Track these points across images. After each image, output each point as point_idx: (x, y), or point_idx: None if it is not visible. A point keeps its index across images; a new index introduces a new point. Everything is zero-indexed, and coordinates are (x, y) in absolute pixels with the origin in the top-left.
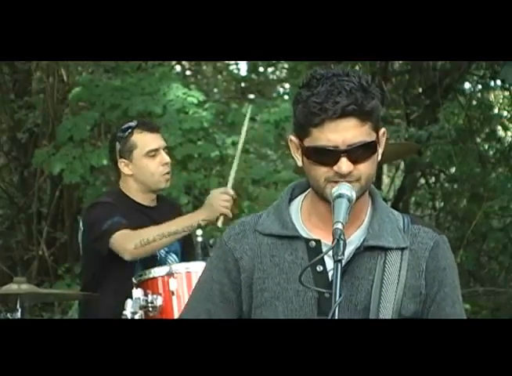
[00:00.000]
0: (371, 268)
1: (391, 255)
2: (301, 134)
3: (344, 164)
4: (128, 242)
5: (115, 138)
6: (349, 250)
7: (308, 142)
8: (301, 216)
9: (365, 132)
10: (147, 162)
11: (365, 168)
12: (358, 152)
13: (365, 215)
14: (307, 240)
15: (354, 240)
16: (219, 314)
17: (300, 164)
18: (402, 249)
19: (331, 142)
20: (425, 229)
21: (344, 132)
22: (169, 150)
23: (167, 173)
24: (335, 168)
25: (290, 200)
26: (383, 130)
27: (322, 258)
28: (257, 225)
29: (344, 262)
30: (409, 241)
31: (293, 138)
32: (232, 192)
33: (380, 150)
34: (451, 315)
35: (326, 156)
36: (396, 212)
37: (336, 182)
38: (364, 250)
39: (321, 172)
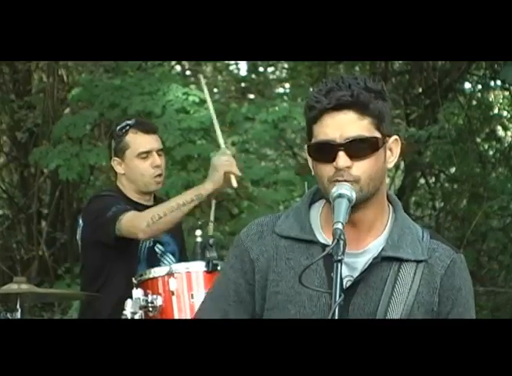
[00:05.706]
0: (385, 278)
1: (405, 267)
2: (308, 137)
3: (341, 159)
4: (139, 221)
5: (111, 135)
6: (366, 259)
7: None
8: (321, 221)
9: (364, 127)
10: (138, 163)
11: (365, 168)
12: (356, 146)
13: (385, 225)
14: (324, 246)
15: (372, 248)
16: (234, 314)
17: (313, 172)
18: (419, 262)
19: (328, 135)
20: (444, 246)
21: (342, 126)
22: (168, 150)
23: (159, 175)
24: (334, 163)
25: (311, 203)
26: (394, 137)
27: None
28: (276, 226)
29: (360, 270)
30: (427, 255)
31: (306, 147)
32: (228, 151)
33: (393, 159)
34: None
35: (325, 150)
36: (417, 225)
37: (338, 181)
38: (381, 260)
39: (323, 171)
